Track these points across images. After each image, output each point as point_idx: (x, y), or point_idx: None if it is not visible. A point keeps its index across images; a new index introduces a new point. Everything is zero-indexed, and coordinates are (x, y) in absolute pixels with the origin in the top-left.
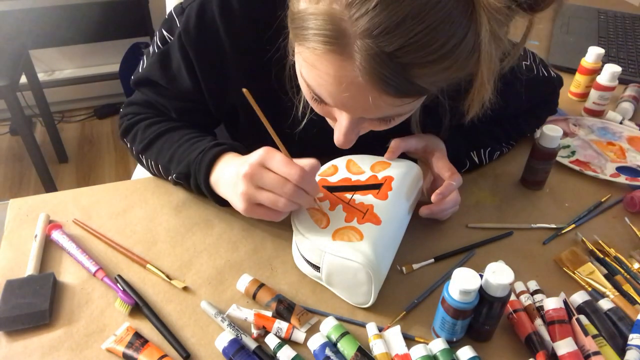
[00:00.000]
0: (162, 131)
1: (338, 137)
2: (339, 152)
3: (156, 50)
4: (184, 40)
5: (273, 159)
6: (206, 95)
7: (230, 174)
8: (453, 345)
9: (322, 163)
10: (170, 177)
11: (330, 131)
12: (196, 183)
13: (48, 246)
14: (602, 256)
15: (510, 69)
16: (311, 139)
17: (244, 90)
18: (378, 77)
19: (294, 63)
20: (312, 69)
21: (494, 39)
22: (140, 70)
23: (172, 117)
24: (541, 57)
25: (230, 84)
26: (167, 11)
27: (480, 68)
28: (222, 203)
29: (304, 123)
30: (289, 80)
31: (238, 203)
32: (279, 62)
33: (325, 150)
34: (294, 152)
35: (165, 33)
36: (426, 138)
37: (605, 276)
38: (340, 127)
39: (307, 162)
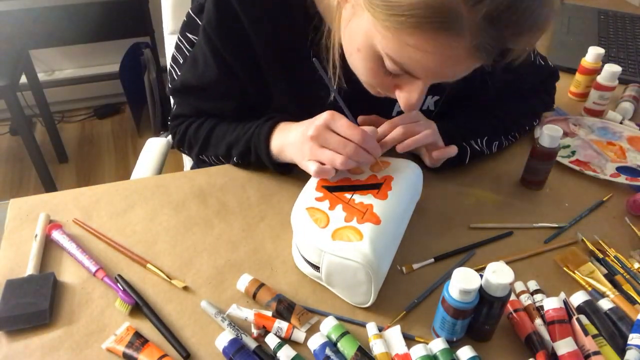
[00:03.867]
0: (210, 128)
1: (410, 100)
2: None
3: (187, 55)
4: (209, 30)
5: (337, 122)
6: (240, 76)
7: (296, 137)
8: (453, 345)
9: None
10: (231, 161)
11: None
12: (257, 155)
13: (48, 246)
14: (602, 256)
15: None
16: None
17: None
18: (484, 49)
19: (331, 33)
20: (412, 51)
21: None
22: (175, 78)
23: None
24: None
25: (262, 59)
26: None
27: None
28: (281, 170)
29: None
30: (325, 50)
31: (305, 163)
32: (316, 29)
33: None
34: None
35: (190, 36)
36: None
37: (605, 276)
38: (414, 92)
39: (367, 127)
